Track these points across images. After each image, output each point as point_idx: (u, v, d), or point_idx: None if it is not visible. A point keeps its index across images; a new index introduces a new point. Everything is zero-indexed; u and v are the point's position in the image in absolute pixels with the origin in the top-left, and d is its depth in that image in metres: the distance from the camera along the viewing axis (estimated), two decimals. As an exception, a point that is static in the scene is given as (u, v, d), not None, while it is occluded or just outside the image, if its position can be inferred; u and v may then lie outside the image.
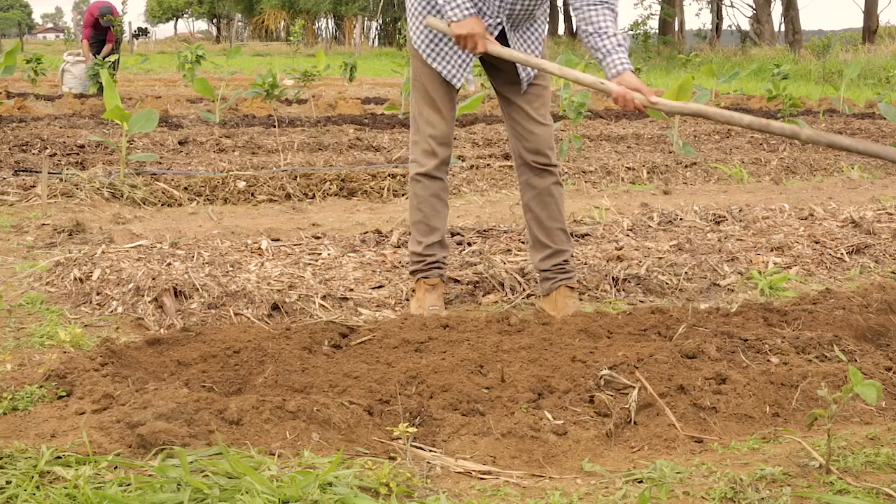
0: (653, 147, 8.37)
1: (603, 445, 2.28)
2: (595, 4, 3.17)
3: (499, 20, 3.30)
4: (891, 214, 5.18)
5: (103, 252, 3.91)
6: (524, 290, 3.74)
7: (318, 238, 4.42)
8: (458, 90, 3.46)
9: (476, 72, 10.10)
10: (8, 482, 1.85)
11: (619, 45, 3.12)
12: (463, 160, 6.85)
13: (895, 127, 10.01)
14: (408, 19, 3.47)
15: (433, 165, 3.43)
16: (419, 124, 3.45)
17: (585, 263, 4.01)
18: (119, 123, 5.87)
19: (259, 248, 4.14)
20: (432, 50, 3.37)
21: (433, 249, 3.51)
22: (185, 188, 5.63)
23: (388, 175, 6.08)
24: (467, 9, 3.17)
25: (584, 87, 3.28)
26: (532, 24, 3.39)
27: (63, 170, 5.76)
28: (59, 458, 1.96)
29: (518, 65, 3.33)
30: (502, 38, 3.34)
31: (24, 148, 6.93)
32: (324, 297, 3.53)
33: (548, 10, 3.46)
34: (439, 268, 3.53)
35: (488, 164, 6.73)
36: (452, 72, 3.36)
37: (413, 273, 3.58)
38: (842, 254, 4.35)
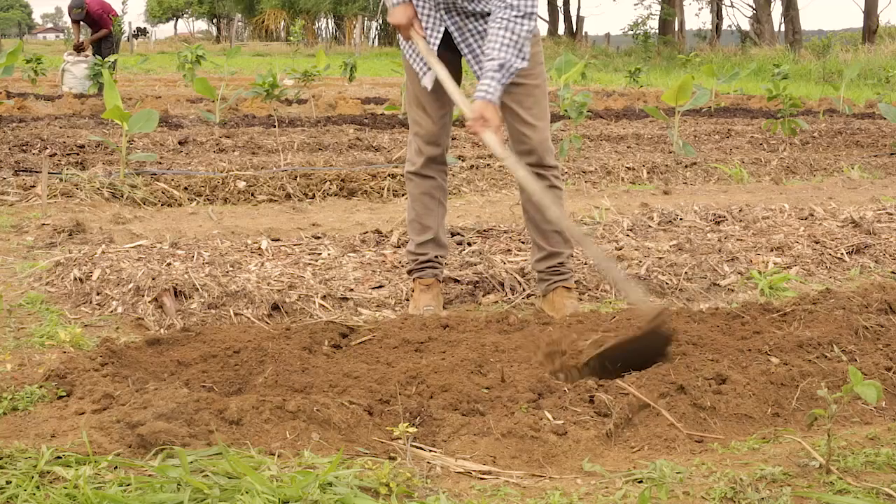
0: (653, 147, 8.37)
1: (603, 445, 2.28)
2: (496, 21, 3.11)
3: (439, 15, 3.30)
4: (891, 214, 5.17)
5: (103, 252, 3.91)
6: (524, 290, 3.74)
7: (318, 238, 4.42)
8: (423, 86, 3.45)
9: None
10: (8, 482, 1.85)
11: (492, 70, 3.07)
12: (463, 160, 6.85)
13: (895, 127, 10.02)
14: None
15: (421, 163, 3.47)
16: (410, 124, 3.52)
17: (585, 263, 4.01)
18: (119, 123, 5.87)
19: (259, 248, 4.14)
20: (409, 46, 3.40)
21: (426, 248, 3.52)
22: (185, 188, 5.63)
23: (388, 175, 6.08)
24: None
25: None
26: (485, 18, 3.31)
27: (63, 170, 5.76)
28: (59, 458, 1.96)
29: (471, 59, 3.35)
30: (447, 37, 3.35)
31: (24, 148, 6.93)
32: (324, 297, 3.53)
33: None
34: (433, 267, 3.54)
35: (488, 164, 6.73)
36: (424, 68, 3.38)
37: (409, 273, 3.59)
38: (842, 254, 4.35)
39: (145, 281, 3.45)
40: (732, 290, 3.85)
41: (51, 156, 6.60)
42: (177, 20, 65.12)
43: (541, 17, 28.46)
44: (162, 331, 3.15)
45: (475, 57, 3.34)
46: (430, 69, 3.33)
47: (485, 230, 4.62)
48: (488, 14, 3.28)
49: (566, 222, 3.10)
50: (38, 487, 1.84)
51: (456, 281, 3.81)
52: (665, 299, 3.72)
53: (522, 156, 3.42)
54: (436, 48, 3.33)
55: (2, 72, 8.77)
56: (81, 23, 12.92)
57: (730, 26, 39.22)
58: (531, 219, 3.50)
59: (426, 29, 3.33)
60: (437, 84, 3.34)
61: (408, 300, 3.57)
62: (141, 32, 45.59)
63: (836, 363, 2.71)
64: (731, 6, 44.81)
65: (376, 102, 12.47)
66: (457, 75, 3.43)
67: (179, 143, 7.50)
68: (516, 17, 3.08)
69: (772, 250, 4.40)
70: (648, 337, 2.62)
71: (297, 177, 5.92)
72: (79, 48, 12.43)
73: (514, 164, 3.12)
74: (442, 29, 3.32)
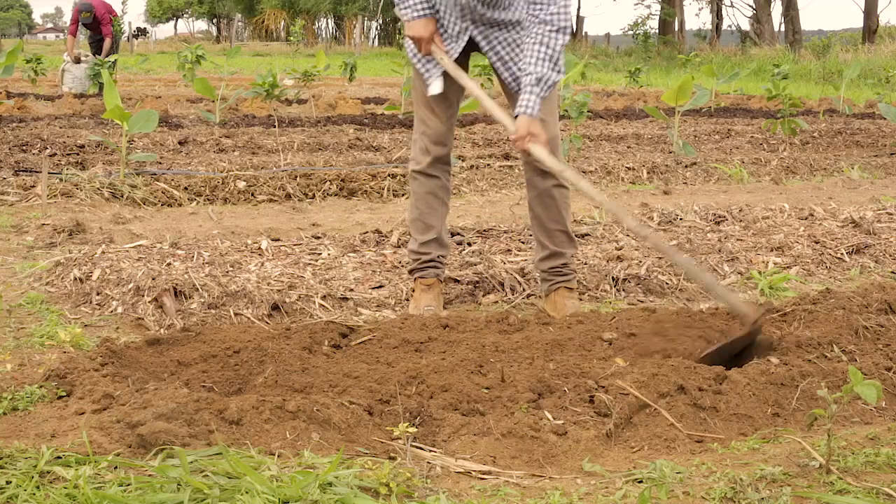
0: (653, 147, 8.37)
1: (603, 445, 2.28)
2: (531, 36, 3.14)
3: (465, 25, 3.30)
4: (891, 214, 5.18)
5: (103, 252, 3.91)
6: (524, 290, 3.74)
7: (318, 238, 4.42)
8: (462, 92, 3.46)
9: (476, 71, 10.12)
10: (8, 482, 1.85)
11: (530, 85, 3.11)
12: (463, 160, 6.85)
13: (895, 127, 10.02)
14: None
15: (427, 163, 3.47)
16: (416, 123, 3.51)
17: (585, 263, 4.01)
18: (119, 123, 5.87)
19: (259, 248, 4.14)
20: (416, 53, 3.39)
21: (428, 247, 3.52)
22: (185, 188, 5.63)
23: (388, 175, 6.08)
24: (417, 11, 3.25)
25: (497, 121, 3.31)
26: (513, 27, 3.33)
27: (63, 170, 5.76)
28: (59, 458, 1.96)
29: (500, 66, 3.35)
30: (472, 43, 3.36)
31: (24, 148, 6.93)
32: (324, 297, 3.53)
33: None
34: (435, 267, 3.54)
35: (488, 164, 6.73)
36: (429, 75, 3.38)
37: (411, 272, 3.59)
38: (842, 254, 4.35)
39: (145, 281, 3.45)
40: (732, 290, 3.85)
41: (51, 156, 6.60)
42: (177, 20, 65.11)
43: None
44: (162, 331, 3.15)
45: (504, 64, 3.34)
46: (436, 75, 3.34)
47: (485, 230, 4.62)
48: (513, 23, 3.30)
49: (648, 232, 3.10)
50: (38, 487, 1.84)
51: (456, 281, 3.81)
52: (665, 299, 3.73)
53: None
54: (454, 57, 3.34)
55: (2, 72, 8.78)
56: (81, 26, 12.91)
57: (730, 26, 39.23)
58: (536, 217, 3.50)
59: (449, 38, 3.33)
60: (446, 85, 3.36)
61: (408, 300, 3.57)
62: (141, 32, 45.58)
63: (836, 363, 2.71)
64: (731, 6, 44.79)
65: (376, 102, 12.47)
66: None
67: (179, 143, 7.50)
68: (550, 31, 3.13)
69: (772, 250, 4.40)
70: (748, 337, 2.85)
71: (297, 177, 5.92)
72: (78, 60, 12.41)
73: (573, 176, 3.16)
74: (465, 38, 3.32)
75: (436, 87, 3.36)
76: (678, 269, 3.95)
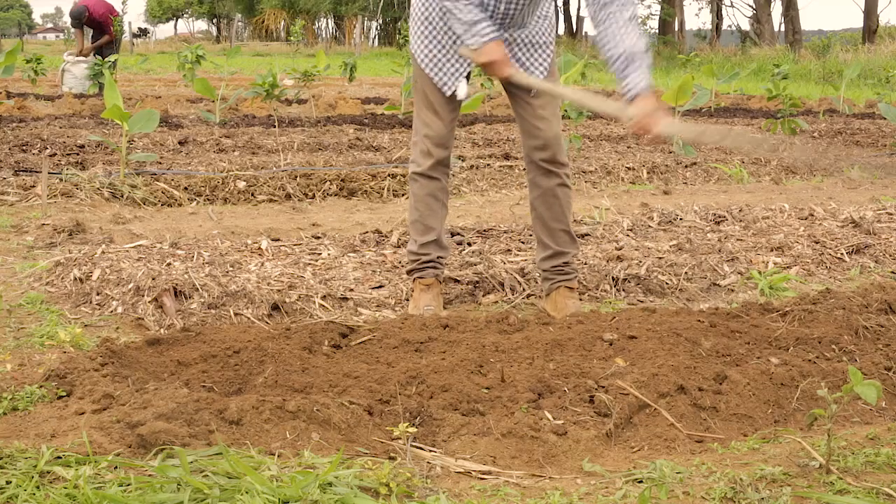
0: (653, 147, 8.36)
1: (603, 445, 2.28)
2: (603, 21, 3.09)
3: (500, 32, 3.29)
4: (891, 214, 5.18)
5: (103, 252, 3.91)
6: (524, 290, 3.74)
7: (318, 238, 4.42)
8: (459, 98, 3.45)
9: (476, 71, 10.11)
10: (8, 482, 1.85)
11: (628, 64, 3.01)
12: (463, 160, 6.84)
13: (895, 127, 10.02)
14: (410, 24, 3.49)
15: (428, 165, 3.46)
16: (417, 125, 3.48)
17: (585, 263, 4.01)
18: (119, 123, 5.87)
19: (259, 248, 4.14)
20: (427, 56, 3.38)
21: (428, 249, 3.53)
22: (185, 188, 5.63)
23: (388, 175, 6.08)
24: (486, 35, 3.14)
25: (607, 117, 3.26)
26: (534, 32, 3.35)
27: (63, 170, 5.76)
28: (59, 458, 1.96)
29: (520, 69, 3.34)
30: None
31: (24, 148, 6.93)
32: (324, 297, 3.53)
33: (551, 18, 3.44)
34: (434, 267, 3.54)
35: (488, 164, 6.73)
36: (444, 79, 3.37)
37: (409, 273, 3.59)
38: (842, 254, 4.35)
39: (145, 281, 3.45)
40: (732, 290, 3.85)
41: (51, 156, 6.60)
42: (177, 20, 65.12)
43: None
44: (162, 331, 3.15)
45: (523, 66, 3.34)
46: (454, 81, 3.34)
47: (485, 230, 4.62)
48: (536, 30, 3.34)
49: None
50: (38, 487, 1.84)
51: (456, 281, 3.81)
52: (665, 299, 3.73)
53: (536, 151, 3.41)
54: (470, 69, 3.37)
55: (2, 72, 8.77)
56: (85, 26, 12.94)
57: (730, 26, 39.24)
58: (539, 217, 3.50)
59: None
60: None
61: (408, 300, 3.57)
62: (141, 32, 45.63)
63: (836, 363, 2.71)
64: (731, 6, 44.73)
65: (376, 102, 12.46)
66: None
67: (179, 143, 7.50)
68: (624, 4, 3.07)
69: (772, 250, 4.40)
70: None
71: (297, 177, 5.92)
72: (83, 54, 12.45)
73: (705, 132, 3.08)
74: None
75: (462, 90, 3.35)
76: (676, 270, 3.95)
